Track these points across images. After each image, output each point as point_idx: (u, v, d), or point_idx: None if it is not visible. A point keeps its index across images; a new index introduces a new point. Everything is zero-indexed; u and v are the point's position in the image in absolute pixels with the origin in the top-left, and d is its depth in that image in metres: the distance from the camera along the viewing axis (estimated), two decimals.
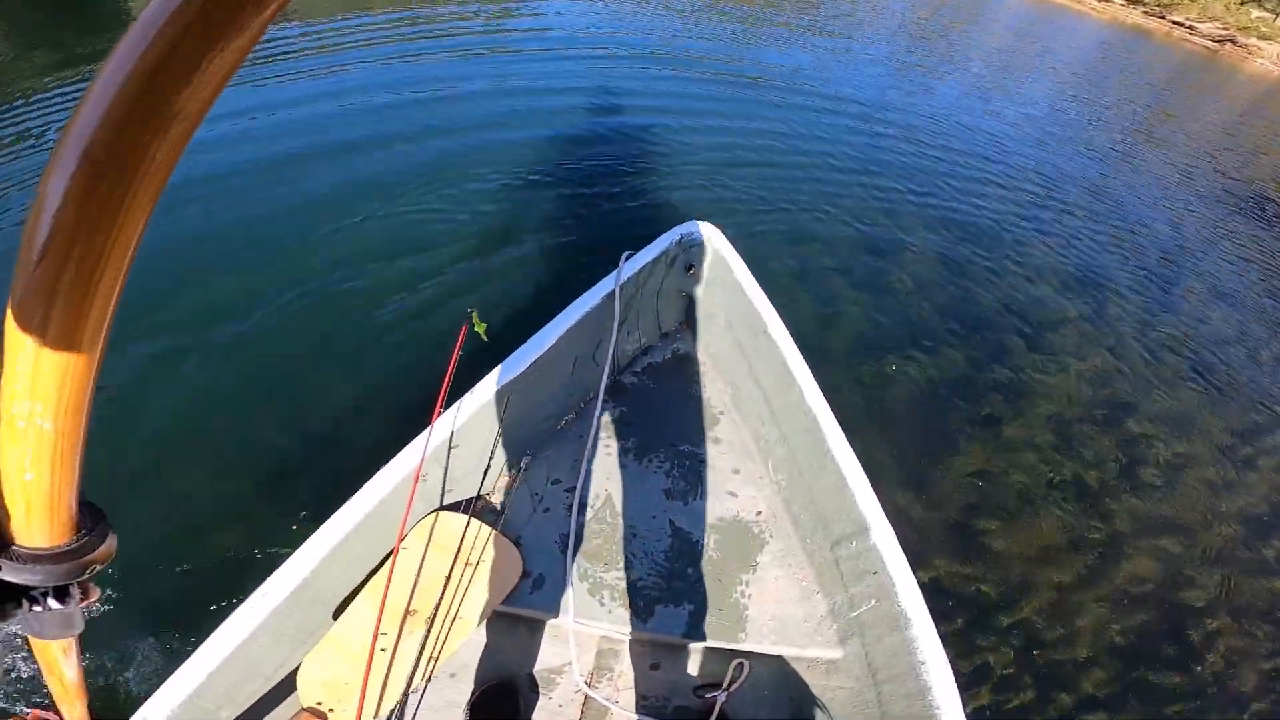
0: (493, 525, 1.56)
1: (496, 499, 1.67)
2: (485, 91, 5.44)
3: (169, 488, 2.19)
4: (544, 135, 4.83)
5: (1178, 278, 5.11)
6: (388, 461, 1.43)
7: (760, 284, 1.93)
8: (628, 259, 1.91)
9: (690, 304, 2.11)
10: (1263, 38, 25.81)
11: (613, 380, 1.98)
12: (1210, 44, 25.70)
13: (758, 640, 1.47)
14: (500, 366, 1.62)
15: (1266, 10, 28.72)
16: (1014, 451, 3.04)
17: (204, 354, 2.63)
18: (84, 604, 0.39)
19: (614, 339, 1.84)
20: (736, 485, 1.78)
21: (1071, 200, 6.00)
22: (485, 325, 1.49)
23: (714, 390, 2.01)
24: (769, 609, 1.53)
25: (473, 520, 1.51)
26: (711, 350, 2.08)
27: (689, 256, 2.00)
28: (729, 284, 1.97)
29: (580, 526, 1.64)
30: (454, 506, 1.57)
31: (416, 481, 1.39)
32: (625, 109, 5.64)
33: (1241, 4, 29.49)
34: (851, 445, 1.58)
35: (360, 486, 1.38)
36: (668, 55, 7.41)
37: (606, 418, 1.91)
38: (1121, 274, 4.88)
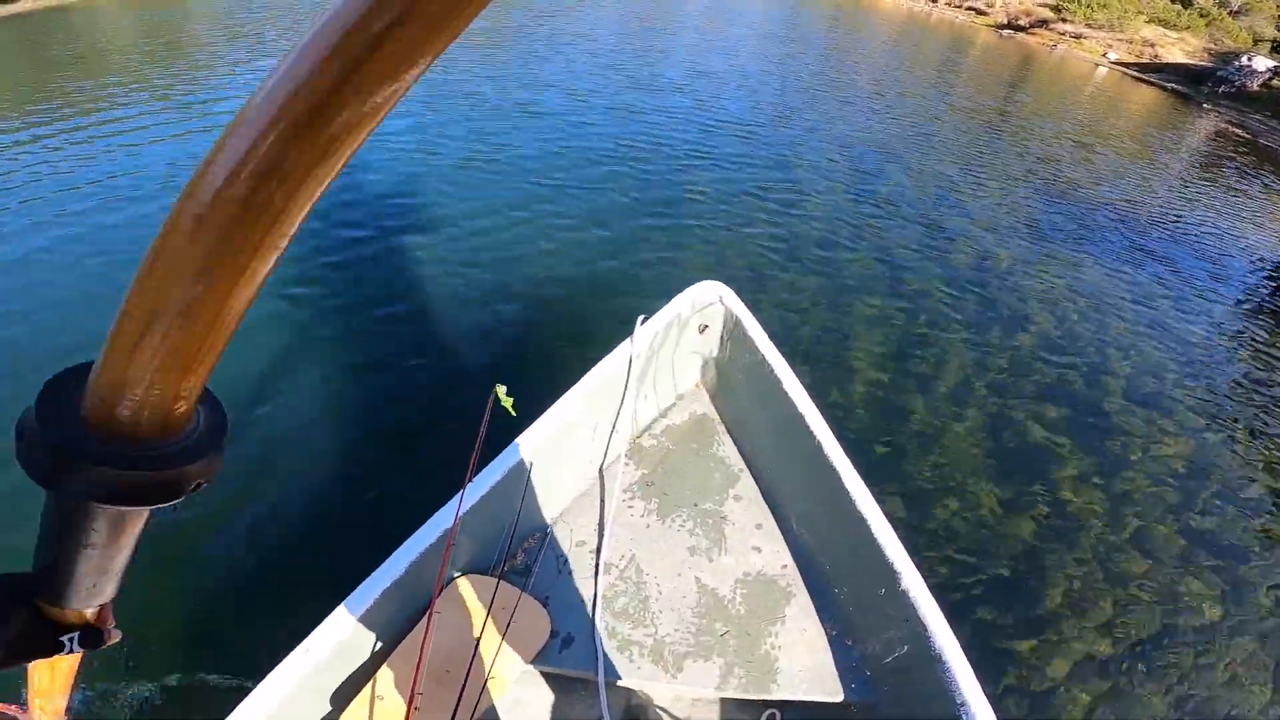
0: (521, 587, 1.59)
1: (524, 562, 1.71)
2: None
3: (204, 553, 2.30)
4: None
5: None
6: (420, 527, 1.48)
7: (774, 339, 1.97)
8: (643, 323, 1.96)
9: (706, 364, 2.19)
10: None
11: (633, 443, 2.03)
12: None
13: (791, 690, 1.47)
14: (522, 435, 1.68)
15: None
16: (1048, 499, 3.00)
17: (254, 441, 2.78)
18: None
19: (633, 403, 1.90)
20: (760, 540, 1.80)
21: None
22: (512, 400, 1.58)
23: (732, 449, 2.05)
24: (800, 659, 1.53)
25: (502, 583, 1.55)
26: (728, 409, 2.13)
27: (702, 318, 2.07)
28: (743, 342, 2.02)
29: (606, 586, 1.66)
30: (483, 569, 1.62)
31: (449, 546, 1.43)
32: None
33: None
34: (874, 494, 1.59)
35: (393, 551, 1.44)
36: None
37: (628, 480, 1.95)
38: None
